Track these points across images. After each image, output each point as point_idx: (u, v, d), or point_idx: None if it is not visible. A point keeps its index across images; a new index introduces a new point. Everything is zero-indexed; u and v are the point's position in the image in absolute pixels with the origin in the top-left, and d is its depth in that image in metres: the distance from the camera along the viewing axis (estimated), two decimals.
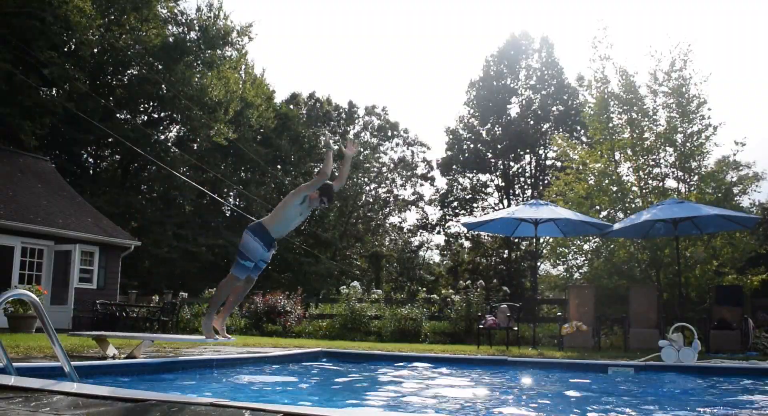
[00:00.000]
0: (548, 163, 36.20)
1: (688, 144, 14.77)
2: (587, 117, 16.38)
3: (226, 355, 7.10)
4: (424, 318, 14.58)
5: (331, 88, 78.27)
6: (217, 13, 29.86)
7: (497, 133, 37.07)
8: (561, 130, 34.12)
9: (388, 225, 43.70)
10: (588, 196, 15.23)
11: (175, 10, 29.74)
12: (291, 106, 39.72)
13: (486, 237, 36.59)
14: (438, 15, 57.93)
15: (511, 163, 37.44)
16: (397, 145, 43.41)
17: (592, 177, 15.65)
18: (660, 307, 11.92)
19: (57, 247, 16.94)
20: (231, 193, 35.71)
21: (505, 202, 36.97)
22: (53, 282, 16.81)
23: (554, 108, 36.02)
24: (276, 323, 15.87)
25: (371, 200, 42.94)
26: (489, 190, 38.47)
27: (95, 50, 27.01)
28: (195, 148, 32.03)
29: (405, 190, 43.20)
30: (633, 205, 14.90)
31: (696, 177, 15.02)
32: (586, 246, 16.23)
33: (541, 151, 36.78)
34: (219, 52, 29.94)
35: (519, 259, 35.56)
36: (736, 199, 15.03)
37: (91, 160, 31.84)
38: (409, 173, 43.05)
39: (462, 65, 66.90)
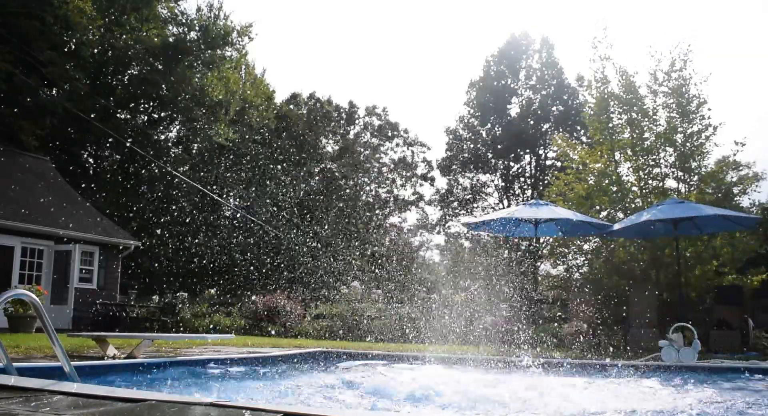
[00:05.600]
0: (548, 163, 36.19)
1: (688, 144, 14.76)
2: (587, 117, 16.38)
3: (226, 355, 7.10)
4: (424, 318, 14.59)
5: (331, 88, 78.42)
6: (217, 13, 29.89)
7: (497, 133, 37.06)
8: (561, 130, 34.11)
9: (388, 225, 43.70)
10: (588, 196, 15.23)
11: (176, 10, 29.75)
12: (291, 106, 39.70)
13: (486, 237, 36.58)
14: (438, 15, 57.96)
15: (511, 163, 37.44)
16: (398, 145, 43.45)
17: (592, 177, 15.64)
18: (660, 307, 11.91)
19: (57, 247, 16.92)
20: (231, 193, 35.68)
21: (505, 201, 36.96)
22: (53, 282, 16.79)
23: (554, 108, 36.01)
24: (276, 323, 15.87)
25: (371, 200, 42.94)
26: (489, 190, 38.49)
27: (95, 50, 27.00)
28: (195, 148, 32.02)
29: (405, 190, 43.26)
30: (633, 205, 14.89)
31: (696, 177, 15.01)
32: (586, 246, 16.24)
33: (541, 151, 36.78)
34: (219, 52, 29.94)
35: (519, 259, 35.53)
36: (736, 199, 15.02)
37: (91, 160, 31.81)
38: (409, 173, 43.06)
39: (462, 65, 66.96)
